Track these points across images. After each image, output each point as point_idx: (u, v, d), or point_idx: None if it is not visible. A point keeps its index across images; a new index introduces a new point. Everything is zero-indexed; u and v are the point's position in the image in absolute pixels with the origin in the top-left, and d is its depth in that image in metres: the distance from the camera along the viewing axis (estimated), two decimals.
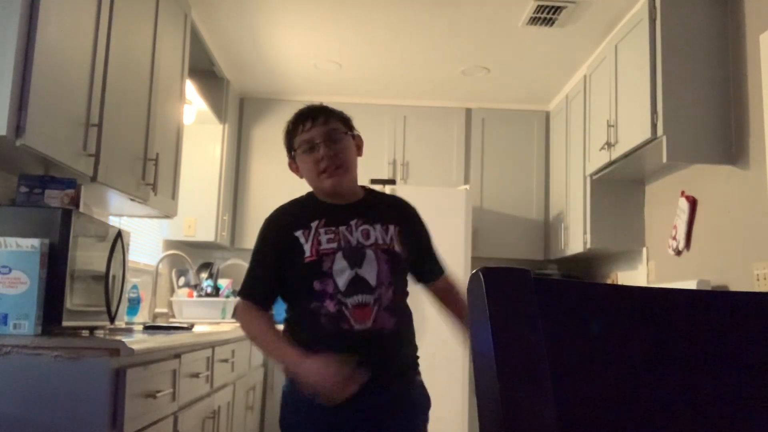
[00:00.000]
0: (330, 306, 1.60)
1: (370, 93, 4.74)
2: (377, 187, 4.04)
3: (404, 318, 1.72)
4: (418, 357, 1.77)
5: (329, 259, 1.62)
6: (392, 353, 1.66)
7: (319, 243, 1.63)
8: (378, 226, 1.68)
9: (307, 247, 1.63)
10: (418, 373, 1.75)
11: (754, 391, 0.67)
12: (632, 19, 3.15)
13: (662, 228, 3.52)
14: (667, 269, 3.44)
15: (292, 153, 1.75)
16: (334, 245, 1.63)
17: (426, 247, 1.84)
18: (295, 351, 1.60)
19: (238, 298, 1.76)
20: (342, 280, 1.60)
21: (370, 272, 1.63)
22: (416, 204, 1.89)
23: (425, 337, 3.93)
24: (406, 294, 1.77)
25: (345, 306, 1.59)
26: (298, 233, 1.65)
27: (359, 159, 1.79)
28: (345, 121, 1.76)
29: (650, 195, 3.75)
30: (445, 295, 1.83)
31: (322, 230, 1.65)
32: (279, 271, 1.68)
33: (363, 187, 1.82)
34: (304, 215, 1.69)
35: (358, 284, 1.61)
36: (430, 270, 1.83)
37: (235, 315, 1.79)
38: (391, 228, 1.70)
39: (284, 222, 1.71)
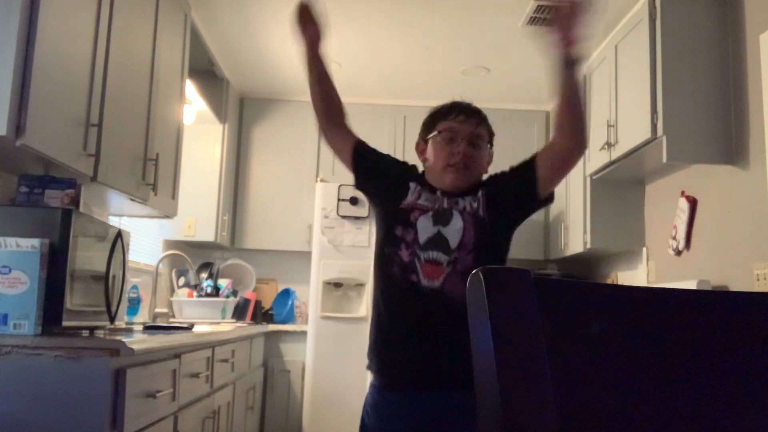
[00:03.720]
0: (404, 255, 1.63)
1: (370, 93, 4.74)
2: None
3: None
4: None
5: (417, 213, 1.67)
6: (459, 324, 1.62)
7: (418, 198, 1.70)
8: (468, 197, 1.69)
9: (408, 198, 1.70)
10: None
11: (755, 391, 0.67)
12: (632, 19, 3.15)
13: (662, 228, 3.52)
14: (667, 269, 3.44)
15: (428, 135, 1.77)
16: (429, 205, 1.68)
17: (514, 173, 1.74)
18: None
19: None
20: (423, 234, 1.64)
21: (453, 234, 1.64)
22: None
23: None
24: None
25: (418, 258, 1.62)
26: (411, 184, 1.72)
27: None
28: (490, 135, 1.79)
29: (650, 195, 3.75)
30: (555, 130, 1.71)
31: (424, 194, 1.70)
32: (377, 177, 1.79)
33: None
34: (415, 179, 1.75)
35: (437, 242, 1.63)
36: (530, 170, 1.71)
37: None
38: (479, 193, 1.70)
39: (406, 170, 1.80)
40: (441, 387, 1.59)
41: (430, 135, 1.76)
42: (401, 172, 1.81)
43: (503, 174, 1.77)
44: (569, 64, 1.61)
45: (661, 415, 0.64)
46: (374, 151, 1.85)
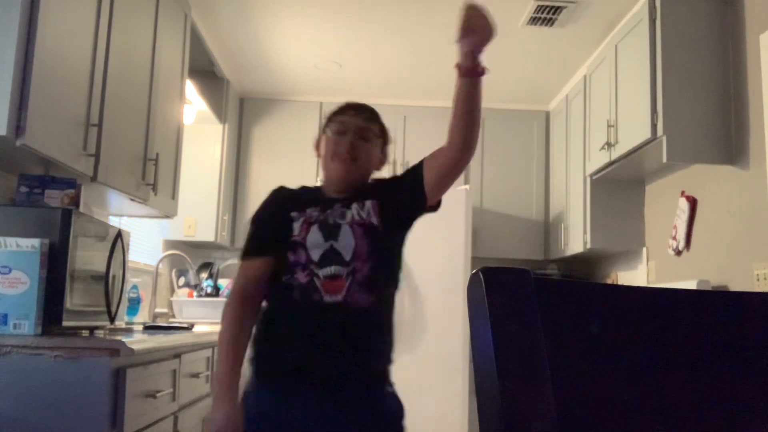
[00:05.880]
0: (301, 277, 1.58)
1: (370, 93, 4.73)
2: None
3: (383, 300, 1.63)
4: (390, 364, 1.63)
5: (304, 231, 1.62)
6: (366, 334, 1.59)
7: (309, 223, 1.64)
8: (354, 205, 1.65)
9: (296, 227, 1.63)
10: (390, 384, 1.62)
11: (755, 390, 0.67)
12: (632, 19, 3.15)
13: (662, 228, 3.52)
14: (667, 269, 3.44)
15: (322, 131, 1.76)
16: (315, 216, 1.64)
17: (404, 179, 1.73)
18: (226, 384, 1.56)
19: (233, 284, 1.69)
20: (315, 252, 1.59)
21: (345, 246, 1.61)
22: None
23: (425, 335, 3.90)
24: (390, 275, 1.68)
25: (317, 276, 1.57)
26: (294, 214, 1.66)
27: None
28: (384, 134, 1.78)
29: (650, 195, 3.75)
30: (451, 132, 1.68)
31: (314, 214, 1.65)
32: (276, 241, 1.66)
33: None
34: (305, 199, 1.70)
35: (332, 256, 1.59)
36: (418, 177, 1.69)
37: (227, 303, 1.65)
38: (367, 203, 1.66)
39: (282, 199, 1.73)
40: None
41: (323, 132, 1.77)
42: (276, 208, 1.74)
43: (394, 179, 1.75)
44: (474, 72, 1.58)
45: (660, 415, 0.65)
46: (264, 226, 1.76)
